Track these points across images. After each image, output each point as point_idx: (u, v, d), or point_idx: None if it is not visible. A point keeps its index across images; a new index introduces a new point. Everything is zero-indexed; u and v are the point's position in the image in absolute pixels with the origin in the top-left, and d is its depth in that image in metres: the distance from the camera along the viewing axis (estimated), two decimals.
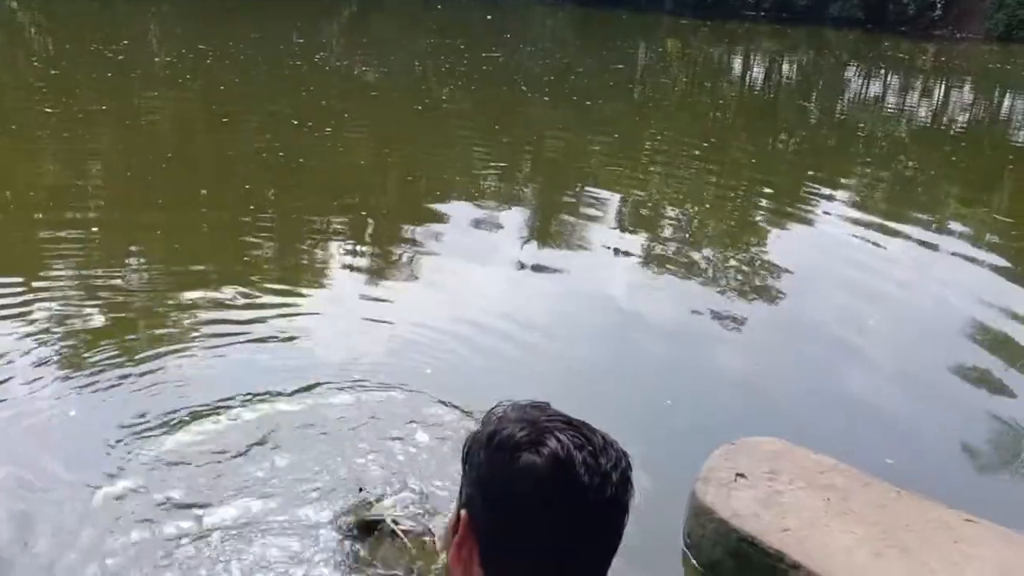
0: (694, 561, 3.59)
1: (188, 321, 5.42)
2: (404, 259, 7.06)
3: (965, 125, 16.42)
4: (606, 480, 0.95)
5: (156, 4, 25.28)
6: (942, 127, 15.84)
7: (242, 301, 5.81)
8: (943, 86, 20.24)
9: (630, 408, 4.76)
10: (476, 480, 0.99)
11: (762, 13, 36.69)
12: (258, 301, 5.83)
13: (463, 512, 1.00)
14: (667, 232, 8.40)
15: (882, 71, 21.75)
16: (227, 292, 5.92)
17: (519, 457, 0.95)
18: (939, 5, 35.31)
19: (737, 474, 3.68)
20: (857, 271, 7.43)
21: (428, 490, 3.80)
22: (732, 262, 7.56)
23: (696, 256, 7.62)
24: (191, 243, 7.04)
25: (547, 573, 0.97)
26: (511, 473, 0.95)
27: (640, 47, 24.14)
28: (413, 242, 7.41)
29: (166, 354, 4.95)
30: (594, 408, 5.00)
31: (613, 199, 9.36)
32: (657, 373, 5.38)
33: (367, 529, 3.50)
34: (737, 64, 21.55)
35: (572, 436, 0.96)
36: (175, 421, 4.23)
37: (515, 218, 8.50)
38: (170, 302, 5.70)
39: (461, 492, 1.04)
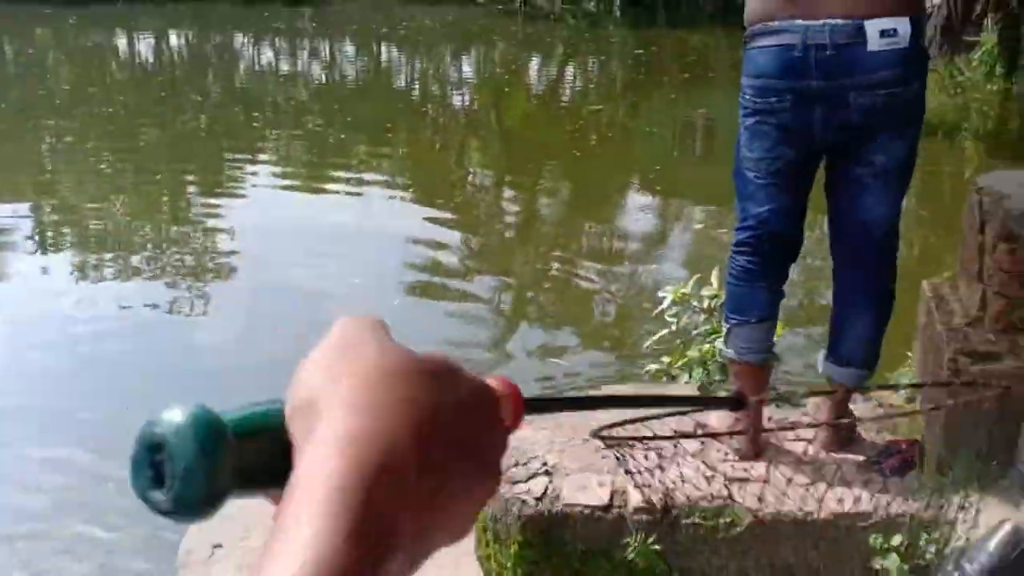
0: None
1: None
2: None
3: (357, 79, 17.53)
4: None
5: None
6: (335, 83, 16.71)
7: None
8: (328, 46, 21.34)
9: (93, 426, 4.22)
10: None
11: None
12: None
13: None
14: (93, 240, 7.60)
15: (269, 39, 22.09)
16: None
17: None
18: None
19: (214, 546, 3.09)
20: (300, 231, 7.51)
21: None
22: (174, 256, 7.13)
23: (134, 259, 7.03)
24: None
25: None
26: None
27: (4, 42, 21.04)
28: None
29: None
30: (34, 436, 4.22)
31: (16, 215, 8.12)
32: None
33: None
34: (123, 48, 20.11)
35: None
36: None
37: None
38: None
39: None
